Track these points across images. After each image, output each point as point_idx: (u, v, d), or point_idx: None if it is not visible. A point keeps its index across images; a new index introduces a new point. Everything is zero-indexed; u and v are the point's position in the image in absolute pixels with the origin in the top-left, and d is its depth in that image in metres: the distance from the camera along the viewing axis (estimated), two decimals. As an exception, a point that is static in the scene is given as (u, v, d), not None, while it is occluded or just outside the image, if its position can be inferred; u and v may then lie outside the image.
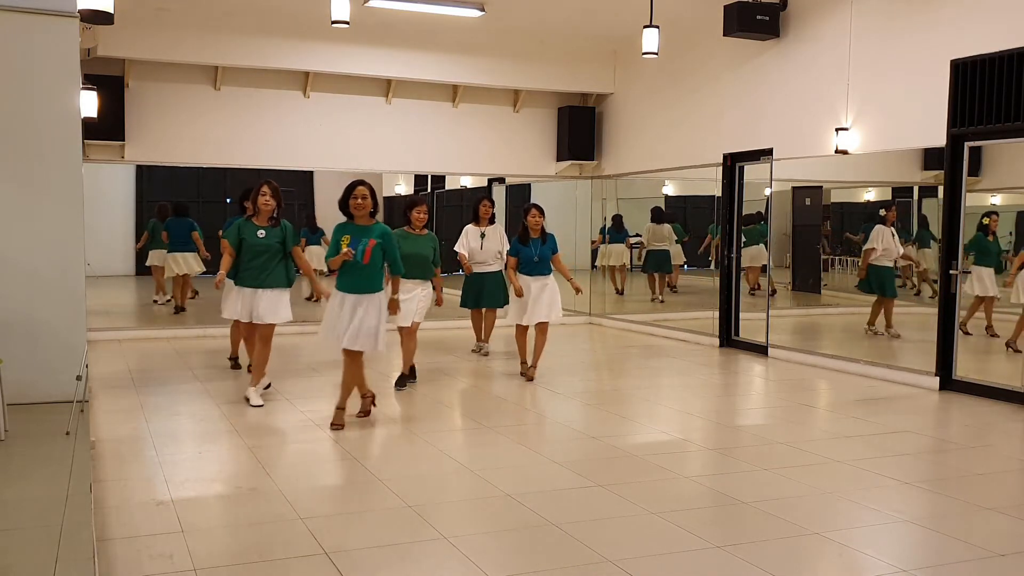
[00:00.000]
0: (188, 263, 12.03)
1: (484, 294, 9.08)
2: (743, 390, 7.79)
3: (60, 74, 5.69)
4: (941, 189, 7.83)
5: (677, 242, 12.62)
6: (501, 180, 13.49)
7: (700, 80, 10.73)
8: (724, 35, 9.39)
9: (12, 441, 4.77)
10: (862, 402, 7.33)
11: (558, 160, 12.69)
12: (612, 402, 7.24)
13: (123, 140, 10.48)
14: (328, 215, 12.89)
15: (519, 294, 7.85)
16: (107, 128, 10.13)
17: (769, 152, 9.70)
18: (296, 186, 15.13)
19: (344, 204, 6.15)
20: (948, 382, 7.71)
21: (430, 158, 12.12)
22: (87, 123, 8.33)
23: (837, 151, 8.71)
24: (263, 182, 6.88)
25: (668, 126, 11.35)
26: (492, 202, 9.24)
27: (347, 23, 7.50)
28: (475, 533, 4.17)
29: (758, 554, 3.91)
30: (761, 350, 9.81)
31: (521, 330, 8.16)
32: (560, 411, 6.88)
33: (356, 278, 6.09)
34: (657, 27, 8.60)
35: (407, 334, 7.51)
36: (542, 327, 8.01)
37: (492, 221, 9.14)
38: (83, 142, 7.37)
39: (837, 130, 8.67)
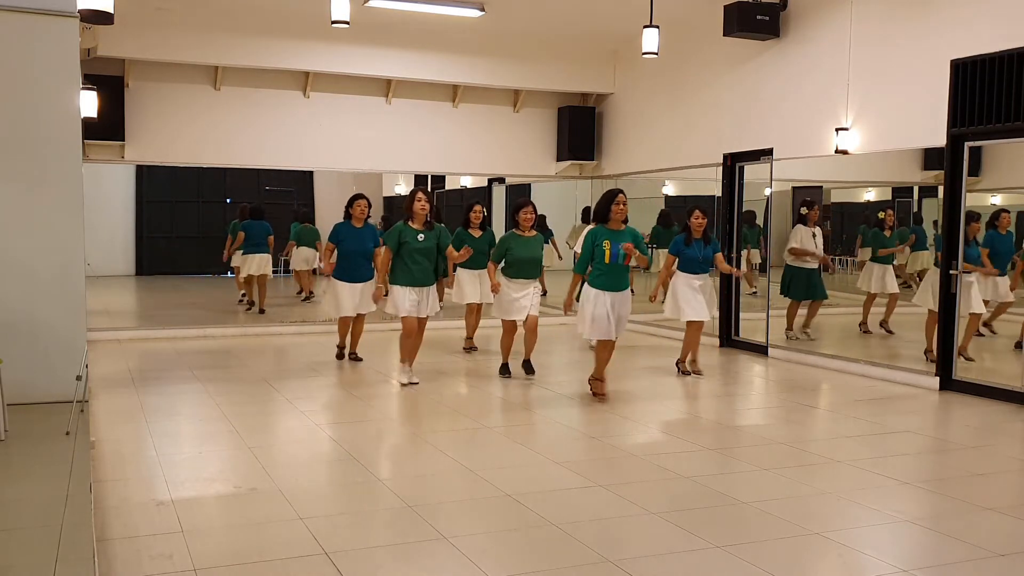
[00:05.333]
0: (261, 264, 12.31)
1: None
2: (743, 390, 7.79)
3: (60, 74, 5.69)
4: (941, 189, 7.83)
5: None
6: (501, 180, 13.49)
7: (700, 80, 10.73)
8: (724, 35, 9.38)
9: (12, 441, 4.77)
10: (862, 402, 7.33)
11: (558, 160, 12.69)
12: (612, 402, 7.23)
13: (123, 140, 10.47)
14: (328, 215, 12.95)
15: (654, 296, 8.28)
16: (107, 128, 10.13)
17: (769, 152, 9.70)
18: (296, 186, 15.15)
19: (605, 211, 6.88)
20: (948, 382, 7.71)
21: (430, 158, 12.12)
22: (87, 123, 8.33)
23: (837, 151, 8.71)
24: (418, 189, 7.53)
25: (668, 126, 11.35)
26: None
27: (347, 23, 7.50)
28: (475, 533, 4.16)
29: (758, 554, 3.91)
30: (761, 350, 9.81)
31: (692, 327, 8.33)
32: (560, 411, 6.87)
33: (614, 277, 6.86)
34: (657, 27, 8.60)
35: (529, 328, 7.98)
36: (695, 325, 8.27)
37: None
38: (83, 142, 7.38)
39: (837, 130, 8.66)
